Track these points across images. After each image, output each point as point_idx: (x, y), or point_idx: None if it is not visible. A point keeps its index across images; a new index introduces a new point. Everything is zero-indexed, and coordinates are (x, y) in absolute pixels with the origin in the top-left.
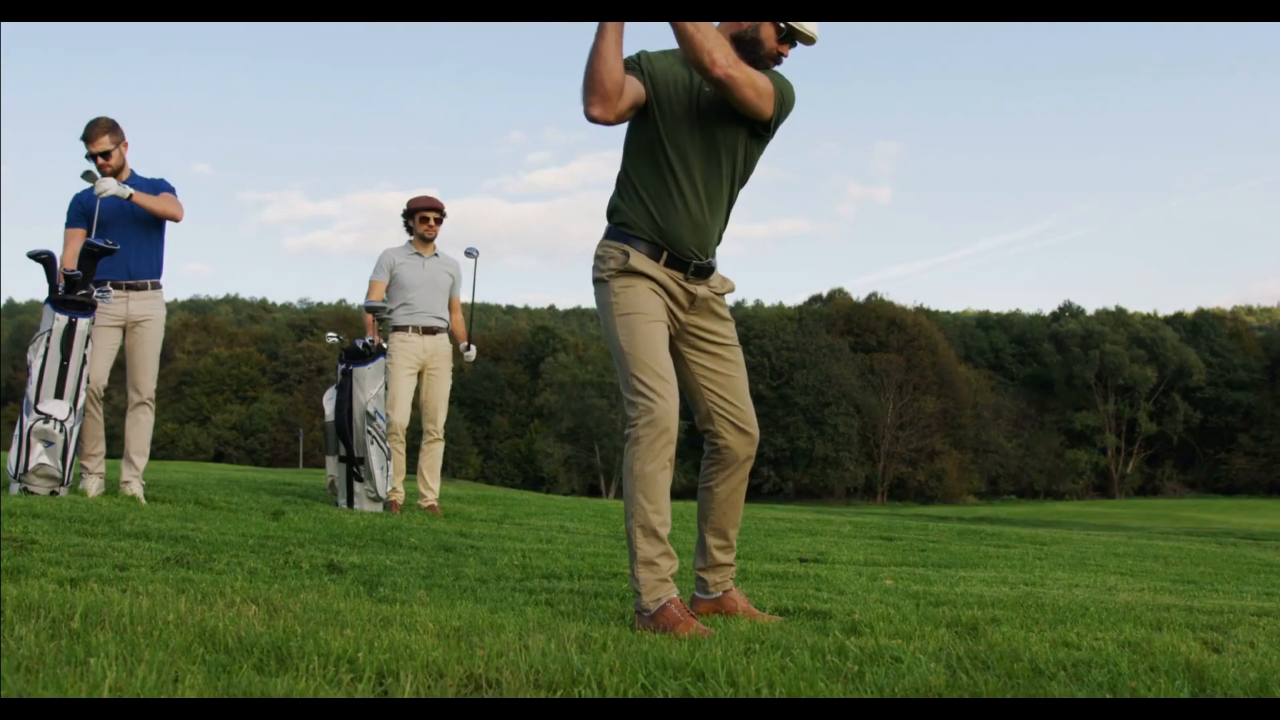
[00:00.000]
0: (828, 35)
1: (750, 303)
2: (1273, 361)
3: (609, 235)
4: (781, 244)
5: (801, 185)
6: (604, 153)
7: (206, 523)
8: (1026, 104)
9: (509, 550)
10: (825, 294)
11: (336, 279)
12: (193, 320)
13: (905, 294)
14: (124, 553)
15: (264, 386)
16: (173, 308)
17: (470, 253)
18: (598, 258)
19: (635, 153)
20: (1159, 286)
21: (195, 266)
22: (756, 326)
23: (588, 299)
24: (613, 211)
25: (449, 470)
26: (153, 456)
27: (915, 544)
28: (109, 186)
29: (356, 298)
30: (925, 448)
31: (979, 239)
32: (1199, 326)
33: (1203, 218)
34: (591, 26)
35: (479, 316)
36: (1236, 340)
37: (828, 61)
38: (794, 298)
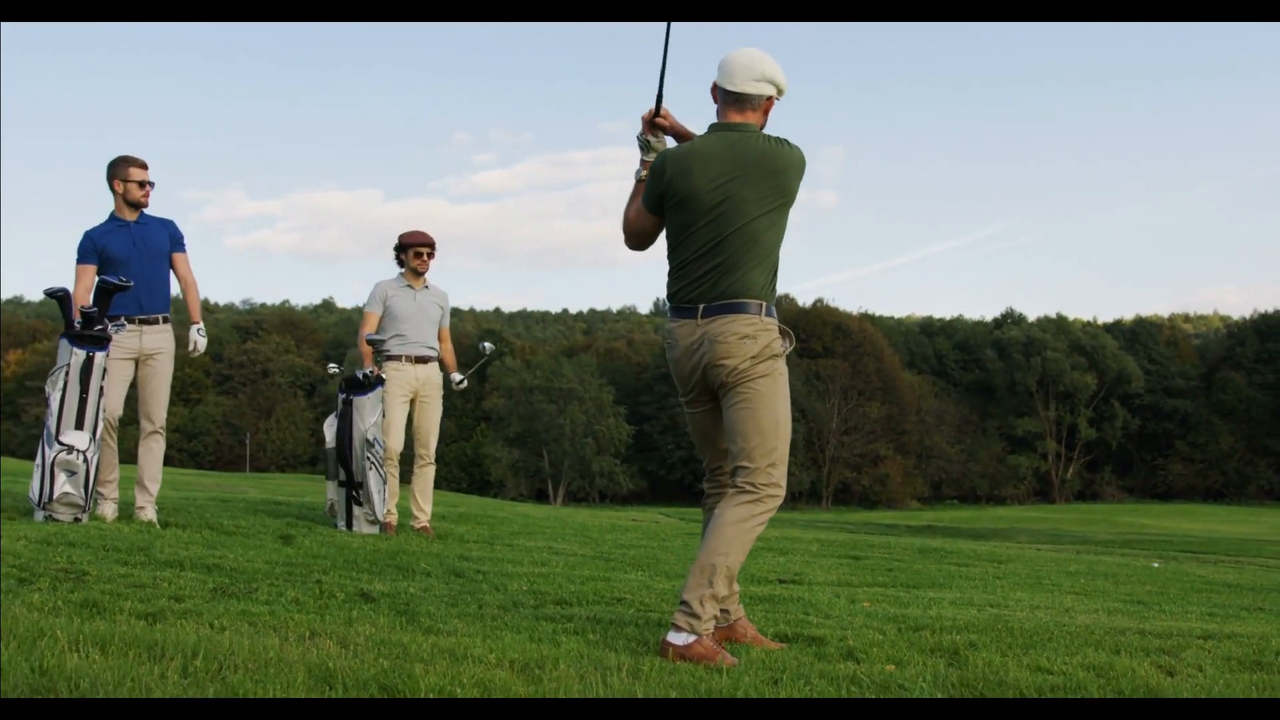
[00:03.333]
0: (770, 36)
1: None
2: (1208, 369)
3: (769, 313)
4: None
5: None
6: (549, 155)
7: (228, 549)
8: (970, 111)
9: (513, 575)
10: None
11: (279, 279)
12: None
13: (849, 299)
14: (170, 583)
15: (208, 389)
16: None
17: (484, 349)
18: (770, 335)
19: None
20: (1098, 293)
21: None
22: None
23: (533, 303)
24: (766, 289)
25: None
26: None
27: (882, 563)
28: (199, 344)
29: (300, 299)
30: (869, 453)
31: (922, 245)
32: (1137, 334)
33: (1141, 226)
34: (537, 26)
35: None
36: (1173, 348)
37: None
38: None
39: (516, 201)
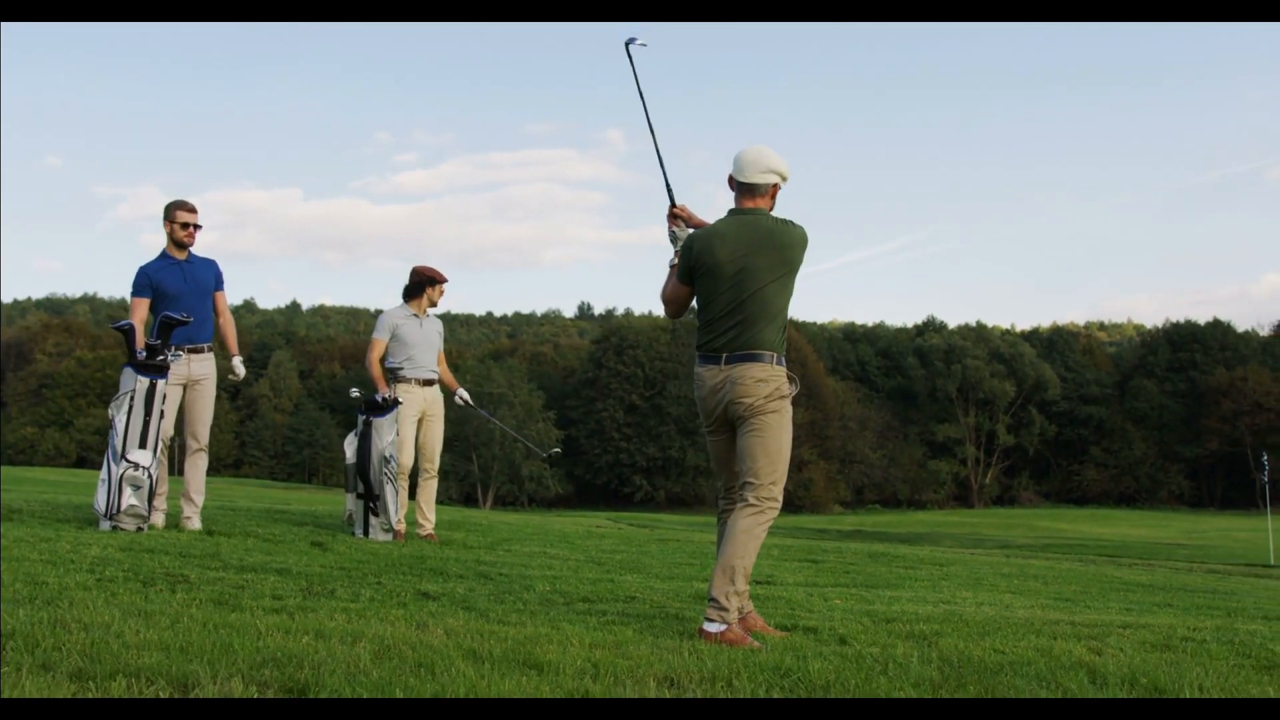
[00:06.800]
0: (692, 41)
1: (621, 311)
2: (1122, 377)
3: (779, 362)
4: (651, 251)
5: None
6: (472, 156)
7: (283, 555)
8: (891, 117)
9: (532, 577)
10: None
11: None
12: (53, 322)
13: None
14: (261, 585)
15: None
16: (27, 307)
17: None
18: (780, 380)
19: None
20: (1017, 301)
21: (48, 264)
22: (630, 337)
23: (457, 305)
24: (777, 342)
25: (320, 478)
26: (12, 463)
27: (839, 566)
28: (240, 371)
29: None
30: (794, 458)
31: (844, 251)
32: (1054, 343)
33: (1058, 235)
34: (459, 25)
35: (348, 320)
36: (1089, 356)
37: (694, 70)
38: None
39: (439, 202)
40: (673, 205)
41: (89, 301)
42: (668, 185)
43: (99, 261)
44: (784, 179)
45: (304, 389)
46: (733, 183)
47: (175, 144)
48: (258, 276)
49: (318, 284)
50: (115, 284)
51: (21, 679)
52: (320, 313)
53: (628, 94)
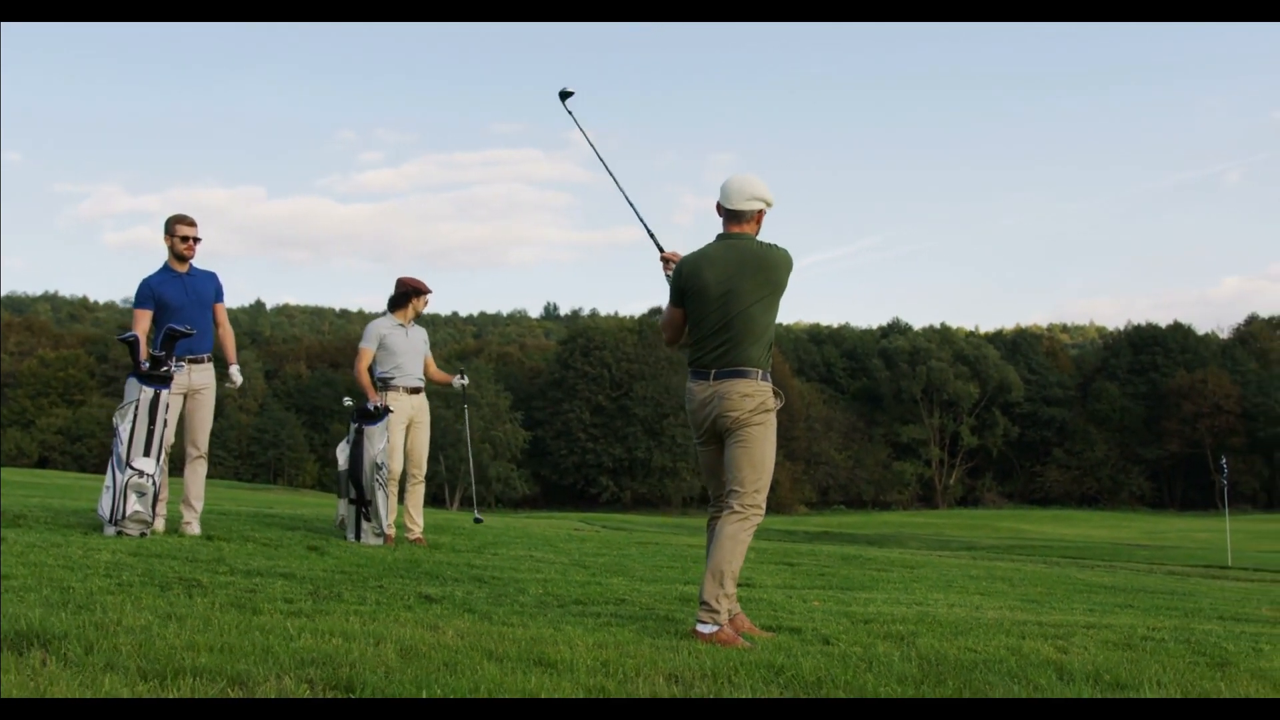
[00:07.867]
0: (660, 41)
1: (587, 311)
2: (1085, 379)
3: (764, 378)
4: (619, 252)
5: (637, 194)
6: (437, 155)
7: (283, 559)
8: (855, 119)
9: (523, 580)
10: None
11: None
12: (15, 320)
13: None
14: (270, 588)
15: (92, 390)
16: None
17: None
18: (765, 395)
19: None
20: (981, 303)
21: (8, 262)
22: (596, 338)
23: (423, 305)
24: (763, 359)
25: (286, 479)
26: None
27: (814, 569)
28: (237, 380)
29: None
30: None
31: (809, 252)
32: (1018, 345)
33: (1022, 237)
34: (424, 25)
35: (312, 320)
36: (1052, 359)
37: (662, 73)
38: (633, 308)
39: (404, 202)
40: (661, 252)
41: (50, 300)
42: (651, 235)
43: (60, 259)
44: (768, 205)
45: (269, 389)
46: (720, 209)
47: (137, 142)
48: (221, 275)
49: (282, 283)
50: (77, 282)
51: (97, 678)
52: (285, 312)
53: (596, 97)
